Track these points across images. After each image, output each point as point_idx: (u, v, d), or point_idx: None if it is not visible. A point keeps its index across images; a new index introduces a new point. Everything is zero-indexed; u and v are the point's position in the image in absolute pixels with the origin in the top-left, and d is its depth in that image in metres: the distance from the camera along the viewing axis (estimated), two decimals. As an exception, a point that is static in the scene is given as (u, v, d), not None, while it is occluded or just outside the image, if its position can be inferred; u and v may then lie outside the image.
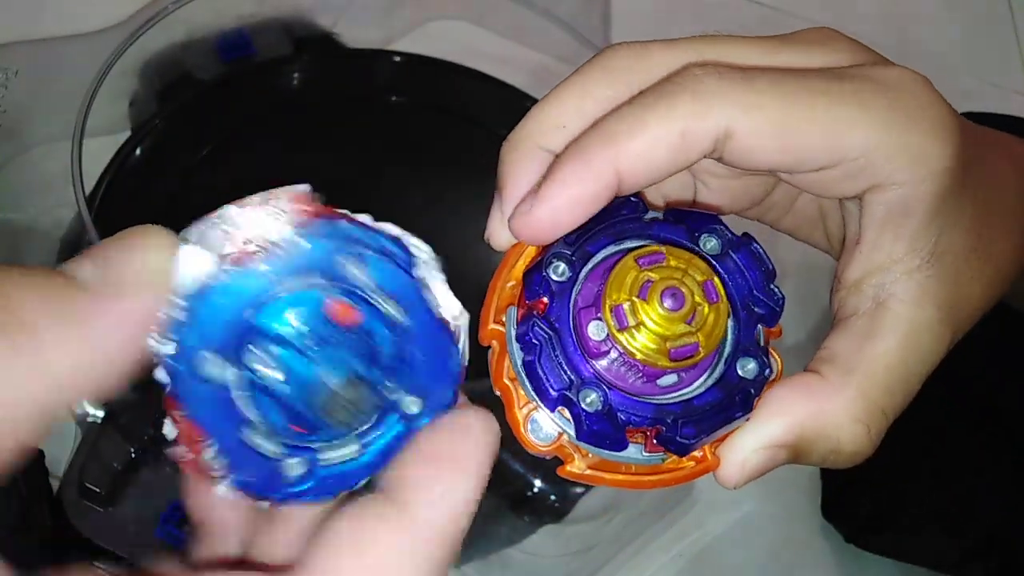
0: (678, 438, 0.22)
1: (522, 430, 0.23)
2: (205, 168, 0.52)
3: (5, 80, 0.48)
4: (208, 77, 0.57)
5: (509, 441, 0.42)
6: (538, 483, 0.43)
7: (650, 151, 0.23)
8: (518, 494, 0.43)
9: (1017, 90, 0.85)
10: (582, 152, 0.23)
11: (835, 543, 0.53)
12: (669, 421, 0.22)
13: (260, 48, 0.60)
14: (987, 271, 0.26)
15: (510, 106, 0.60)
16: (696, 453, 0.23)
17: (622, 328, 0.22)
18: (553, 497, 0.43)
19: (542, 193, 0.23)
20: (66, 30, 0.52)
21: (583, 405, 0.22)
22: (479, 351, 0.23)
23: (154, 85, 0.57)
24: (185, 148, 0.53)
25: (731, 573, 0.52)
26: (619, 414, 0.22)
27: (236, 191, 0.56)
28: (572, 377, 0.22)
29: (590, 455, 0.23)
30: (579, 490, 0.44)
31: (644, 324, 0.22)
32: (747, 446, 0.23)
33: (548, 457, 0.24)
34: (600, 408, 0.22)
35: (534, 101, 0.69)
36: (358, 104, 0.58)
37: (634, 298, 0.22)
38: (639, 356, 0.22)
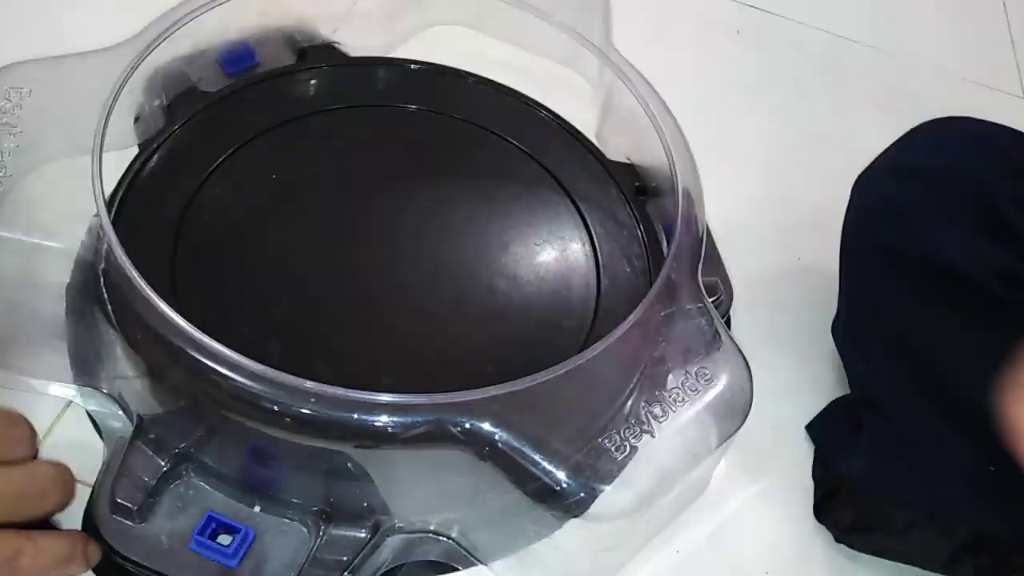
0: None
1: None
2: (216, 181, 0.52)
3: (20, 100, 0.48)
4: (214, 90, 0.57)
5: (531, 435, 0.42)
6: (563, 477, 0.43)
7: None
8: (544, 489, 0.43)
9: (1011, 93, 0.87)
10: None
11: (831, 540, 0.54)
12: None
13: (264, 59, 0.60)
14: None
15: (513, 110, 0.61)
16: None
17: None
18: (583, 493, 0.43)
19: None
20: (76, 48, 0.52)
21: None
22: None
23: (160, 99, 0.57)
24: (195, 162, 0.53)
25: (729, 568, 0.52)
26: None
27: (248, 202, 0.56)
28: None
29: None
30: (604, 486, 0.45)
31: None
32: None
33: None
34: None
35: (535, 104, 0.70)
36: (362, 112, 0.59)
37: None
38: None
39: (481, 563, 0.48)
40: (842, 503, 0.53)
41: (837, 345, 0.58)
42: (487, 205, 0.55)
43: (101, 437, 0.49)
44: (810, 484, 0.56)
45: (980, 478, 0.48)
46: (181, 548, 0.43)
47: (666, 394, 0.45)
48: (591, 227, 0.55)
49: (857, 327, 0.55)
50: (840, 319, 0.57)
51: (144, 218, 0.49)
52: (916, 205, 0.51)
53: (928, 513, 0.50)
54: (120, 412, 0.49)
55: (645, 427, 0.44)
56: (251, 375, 0.40)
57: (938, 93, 0.82)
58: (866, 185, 0.55)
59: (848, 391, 0.59)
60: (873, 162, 0.55)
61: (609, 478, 0.43)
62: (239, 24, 0.59)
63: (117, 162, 0.51)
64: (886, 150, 0.55)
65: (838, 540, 0.53)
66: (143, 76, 0.55)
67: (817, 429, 0.58)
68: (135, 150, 0.54)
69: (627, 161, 0.62)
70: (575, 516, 0.43)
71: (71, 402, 0.50)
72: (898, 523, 0.51)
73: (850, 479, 0.53)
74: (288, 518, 0.45)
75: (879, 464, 0.52)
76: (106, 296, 0.45)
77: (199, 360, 0.41)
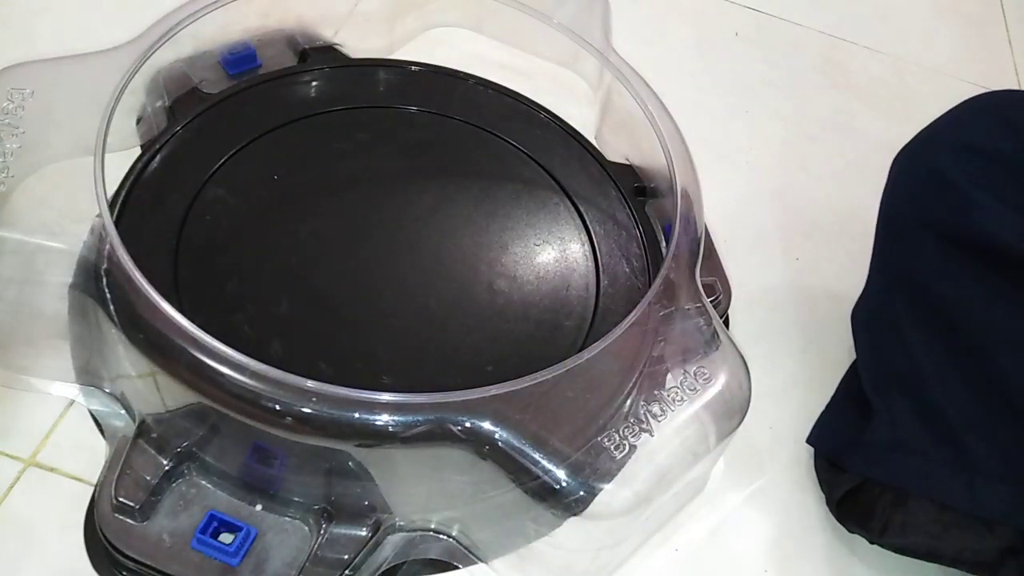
0: None
1: None
2: (218, 182, 0.52)
3: (22, 101, 0.49)
4: (216, 91, 0.57)
5: (531, 433, 0.43)
6: (563, 476, 0.43)
7: None
8: (543, 488, 0.44)
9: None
10: None
11: (832, 536, 0.54)
12: None
13: (265, 61, 0.60)
14: None
15: (513, 112, 0.61)
16: None
17: None
18: (582, 492, 0.44)
19: None
20: (78, 49, 0.52)
21: None
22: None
23: (162, 100, 0.57)
24: (197, 162, 0.53)
25: (728, 566, 0.53)
26: None
27: (250, 203, 0.56)
28: None
29: None
30: (603, 484, 0.45)
31: None
32: None
33: None
34: None
35: (535, 106, 0.70)
36: (363, 113, 0.59)
37: None
38: None
39: (481, 561, 0.49)
40: (866, 504, 0.51)
41: (855, 329, 0.55)
42: (487, 205, 0.55)
43: (103, 436, 0.49)
44: (808, 483, 0.56)
45: None
46: (183, 546, 0.44)
47: (665, 393, 0.46)
48: (590, 227, 0.55)
49: (894, 305, 0.51)
50: (872, 296, 0.54)
51: (146, 218, 0.50)
52: (968, 181, 0.48)
53: (971, 514, 0.47)
54: (122, 411, 0.49)
55: (644, 426, 0.44)
56: (253, 374, 0.41)
57: (936, 94, 0.83)
58: (912, 158, 0.52)
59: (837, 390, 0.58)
60: (919, 135, 0.52)
61: (608, 477, 0.43)
62: (241, 26, 0.60)
63: (119, 163, 0.51)
64: (934, 123, 0.52)
65: (872, 543, 0.51)
66: (145, 77, 0.56)
67: (819, 437, 0.56)
68: (137, 151, 0.54)
69: (626, 162, 0.62)
70: (575, 514, 0.43)
71: (73, 401, 0.51)
72: (935, 524, 0.49)
73: (876, 479, 0.50)
74: (289, 516, 0.46)
75: (909, 461, 0.49)
76: (108, 296, 0.45)
77: (201, 359, 0.41)
